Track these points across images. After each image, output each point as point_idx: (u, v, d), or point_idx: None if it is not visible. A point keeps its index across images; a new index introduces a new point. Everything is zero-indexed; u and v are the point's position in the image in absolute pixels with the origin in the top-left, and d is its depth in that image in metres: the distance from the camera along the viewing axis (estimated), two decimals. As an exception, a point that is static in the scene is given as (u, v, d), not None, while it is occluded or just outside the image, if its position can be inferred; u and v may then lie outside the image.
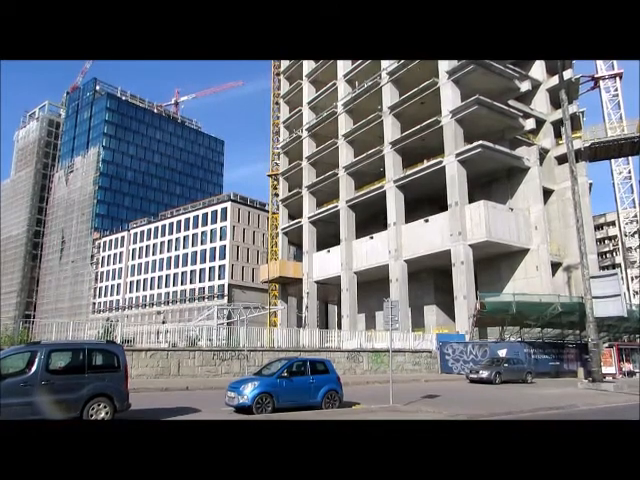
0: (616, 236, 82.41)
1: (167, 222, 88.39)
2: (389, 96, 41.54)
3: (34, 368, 9.85)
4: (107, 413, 10.44)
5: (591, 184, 41.07)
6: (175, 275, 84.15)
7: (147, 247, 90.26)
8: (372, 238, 42.55)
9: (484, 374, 25.16)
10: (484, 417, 13.04)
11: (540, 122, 39.01)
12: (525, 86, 38.24)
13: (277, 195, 57.23)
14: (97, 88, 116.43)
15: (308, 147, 50.98)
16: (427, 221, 37.73)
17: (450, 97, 36.63)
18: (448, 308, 38.23)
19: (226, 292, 74.49)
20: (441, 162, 36.74)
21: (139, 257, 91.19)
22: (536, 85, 39.38)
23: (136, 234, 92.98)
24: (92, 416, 10.25)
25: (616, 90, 66.28)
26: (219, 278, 76.90)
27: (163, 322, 72.16)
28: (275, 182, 58.06)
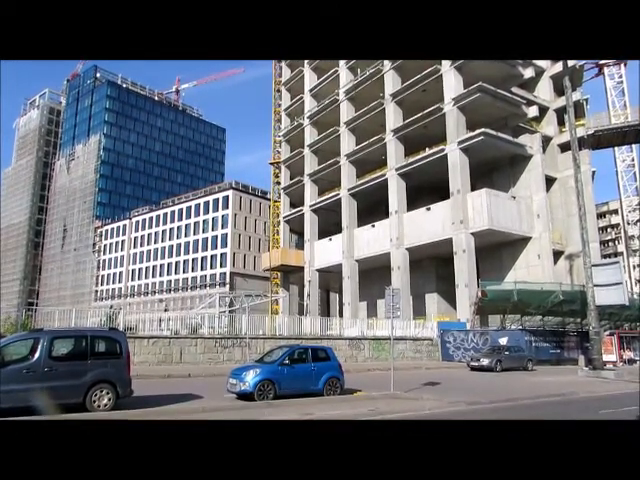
0: (618, 224, 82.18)
1: (169, 210, 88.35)
2: (391, 83, 41.27)
3: (37, 355, 9.92)
4: (110, 399, 10.52)
5: (594, 172, 40.89)
6: (177, 263, 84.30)
7: (149, 235, 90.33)
8: (374, 226, 42.51)
9: (485, 362, 25.26)
10: (484, 405, 13.12)
11: (543, 109, 38.76)
12: (528, 73, 37.97)
13: (279, 183, 57.12)
14: (97, 76, 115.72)
15: (310, 135, 50.77)
16: (429, 209, 37.66)
17: (453, 84, 36.38)
18: (449, 296, 38.29)
19: (228, 280, 74.65)
20: (443, 150, 36.59)
21: (141, 245, 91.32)
22: (540, 72, 39.06)
23: (138, 222, 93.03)
24: (95, 402, 10.34)
25: (620, 77, 65.63)
26: (221, 266, 77.02)
27: (165, 310, 72.50)
28: (277, 170, 57.92)
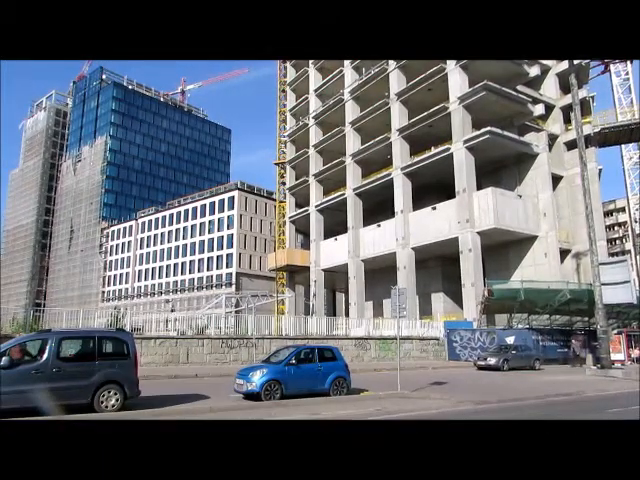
0: (626, 222, 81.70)
1: (175, 211, 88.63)
2: (396, 83, 41.20)
3: (45, 355, 9.98)
4: (117, 400, 10.57)
5: (601, 170, 40.60)
6: (183, 264, 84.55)
7: (155, 236, 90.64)
8: (379, 226, 42.46)
9: (492, 361, 25.18)
10: (492, 404, 13.08)
11: (549, 107, 38.56)
12: (534, 71, 37.79)
13: (284, 183, 57.15)
14: (103, 77, 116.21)
15: (315, 135, 50.78)
16: (435, 209, 37.57)
17: (458, 83, 36.28)
18: (456, 296, 38.20)
19: (234, 280, 74.80)
20: (449, 149, 36.49)
21: (147, 246, 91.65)
22: (545, 70, 38.88)
23: (144, 223, 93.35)
24: (102, 403, 10.39)
25: (627, 74, 65.25)
26: (227, 266, 77.18)
27: (172, 310, 72.69)
28: (282, 170, 57.97)
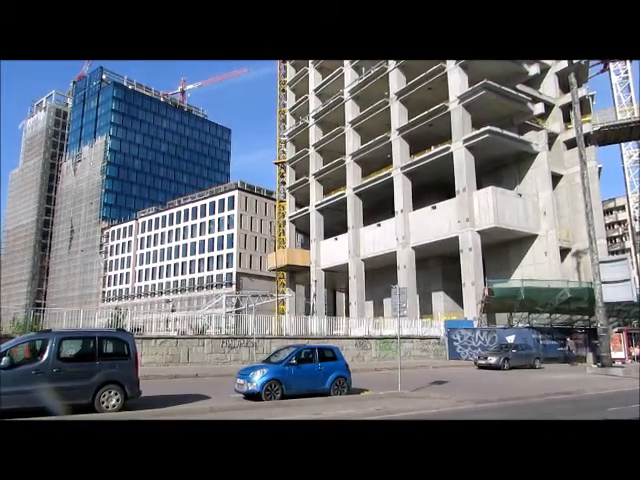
0: (625, 220, 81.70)
1: (175, 211, 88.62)
2: (396, 82, 41.18)
3: (45, 356, 9.99)
4: (118, 400, 10.57)
5: (600, 168, 40.59)
6: (183, 264, 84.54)
7: (155, 236, 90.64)
8: (379, 225, 42.45)
9: (492, 360, 25.20)
10: (492, 403, 13.08)
11: (549, 106, 38.53)
12: (534, 70, 37.76)
13: (284, 183, 57.14)
14: (103, 77, 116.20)
15: (315, 134, 50.75)
16: (435, 208, 37.56)
17: (458, 82, 36.26)
18: (456, 295, 38.19)
19: (234, 280, 74.79)
20: (449, 148, 36.47)
21: (147, 246, 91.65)
22: (545, 69, 38.84)
23: (144, 223, 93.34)
24: (103, 403, 10.40)
25: (626, 73, 65.20)
26: (227, 266, 77.17)
27: (172, 310, 72.68)
28: (282, 170, 57.96)
